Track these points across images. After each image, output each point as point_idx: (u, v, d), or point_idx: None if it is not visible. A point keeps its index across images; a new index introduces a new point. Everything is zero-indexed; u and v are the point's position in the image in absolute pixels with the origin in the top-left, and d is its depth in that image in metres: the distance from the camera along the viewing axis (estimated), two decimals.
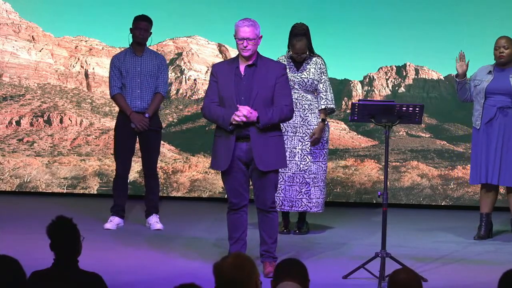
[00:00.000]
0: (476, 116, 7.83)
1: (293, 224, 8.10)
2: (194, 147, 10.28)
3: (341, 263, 6.70)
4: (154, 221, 8.14)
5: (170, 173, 10.20)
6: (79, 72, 10.51)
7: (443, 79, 10.13)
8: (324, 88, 7.87)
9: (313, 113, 7.88)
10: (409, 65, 10.20)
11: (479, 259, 7.07)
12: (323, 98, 7.85)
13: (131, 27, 8.16)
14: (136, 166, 9.51)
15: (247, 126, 6.19)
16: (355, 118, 6.49)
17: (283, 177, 7.75)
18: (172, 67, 10.45)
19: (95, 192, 10.17)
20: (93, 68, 10.47)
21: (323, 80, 7.87)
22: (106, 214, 8.23)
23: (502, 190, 8.49)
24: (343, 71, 10.11)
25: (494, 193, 7.91)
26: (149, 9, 9.56)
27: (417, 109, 6.40)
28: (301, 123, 7.85)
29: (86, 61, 10.51)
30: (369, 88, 10.20)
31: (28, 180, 10.25)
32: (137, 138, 8.15)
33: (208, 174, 10.11)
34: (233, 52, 9.91)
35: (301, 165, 7.81)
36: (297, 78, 7.83)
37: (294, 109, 7.55)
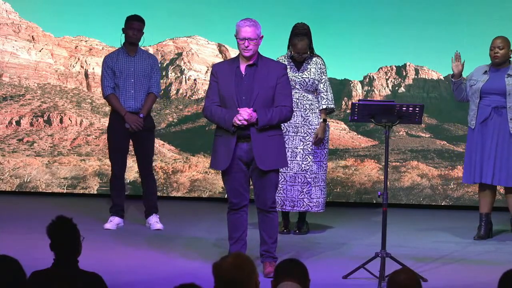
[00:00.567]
0: (471, 116, 7.84)
1: (293, 224, 8.10)
2: (194, 147, 10.27)
3: (341, 263, 6.70)
4: (154, 221, 8.14)
5: (170, 173, 10.19)
6: (79, 72, 10.50)
7: (443, 79, 10.13)
8: (324, 88, 7.88)
9: (314, 113, 7.88)
10: (409, 65, 10.20)
11: (479, 259, 7.07)
12: (324, 98, 7.85)
13: (123, 27, 8.15)
14: (135, 166, 9.49)
15: (248, 127, 6.19)
16: (355, 118, 6.49)
17: (284, 177, 7.75)
18: (172, 67, 10.45)
19: (95, 192, 10.16)
20: (93, 68, 10.46)
21: (323, 80, 7.88)
22: (106, 214, 8.23)
23: (502, 190, 8.48)
24: (343, 71, 10.11)
25: (491, 192, 7.90)
26: (149, 9, 9.57)
27: (417, 109, 6.40)
28: (303, 123, 7.85)
29: (86, 61, 10.50)
30: (369, 88, 10.20)
31: (28, 180, 10.25)
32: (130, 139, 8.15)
33: (208, 174, 10.11)
34: (233, 52, 9.90)
35: (303, 165, 7.81)
36: (298, 78, 7.83)
37: (295, 109, 7.58)
